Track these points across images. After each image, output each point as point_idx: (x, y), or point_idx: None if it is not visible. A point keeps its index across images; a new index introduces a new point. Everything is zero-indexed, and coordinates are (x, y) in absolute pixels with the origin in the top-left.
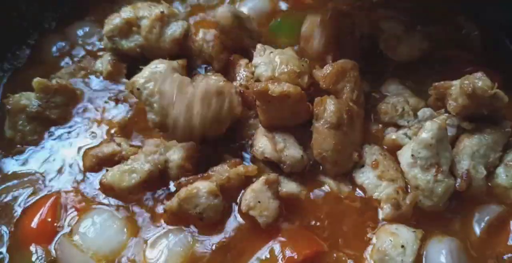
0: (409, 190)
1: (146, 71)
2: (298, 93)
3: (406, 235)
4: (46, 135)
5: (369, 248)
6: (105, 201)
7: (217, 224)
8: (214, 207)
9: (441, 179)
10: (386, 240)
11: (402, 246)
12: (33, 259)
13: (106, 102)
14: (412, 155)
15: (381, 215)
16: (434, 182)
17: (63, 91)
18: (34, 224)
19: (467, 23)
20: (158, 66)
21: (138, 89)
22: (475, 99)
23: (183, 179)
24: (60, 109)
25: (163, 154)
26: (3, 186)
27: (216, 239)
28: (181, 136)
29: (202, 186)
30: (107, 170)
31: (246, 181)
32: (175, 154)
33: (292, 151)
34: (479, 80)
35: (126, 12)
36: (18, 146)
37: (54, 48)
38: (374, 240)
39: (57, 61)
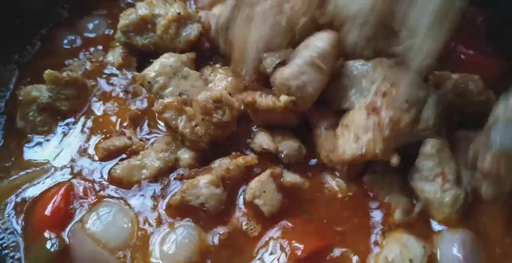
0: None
1: (156, 65)
2: (283, 107)
3: (416, 249)
4: (57, 126)
5: (375, 250)
6: (115, 194)
7: (221, 216)
8: (215, 197)
9: (448, 188)
10: (396, 250)
11: (410, 261)
12: (48, 246)
13: (117, 94)
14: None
15: (393, 218)
16: (442, 192)
17: (74, 84)
18: (48, 211)
19: (471, 8)
20: (168, 59)
21: (149, 82)
22: (463, 99)
23: (186, 171)
24: (71, 101)
25: (174, 152)
26: (16, 175)
27: (221, 230)
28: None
29: (203, 178)
30: (117, 163)
31: (248, 172)
32: (186, 153)
33: (289, 142)
34: (473, 83)
35: (141, 9)
36: (29, 135)
37: (65, 41)
38: (384, 243)
39: (68, 54)
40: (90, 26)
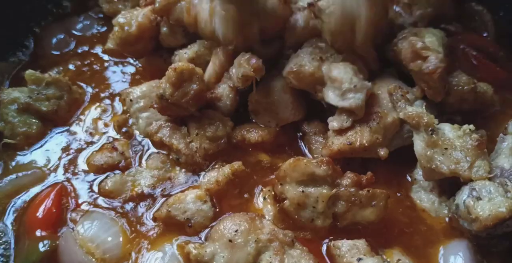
0: None
1: (145, 86)
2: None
3: None
4: (48, 131)
5: None
6: (105, 204)
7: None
8: (202, 213)
9: (445, 200)
10: None
11: None
12: (39, 246)
13: (104, 97)
14: (415, 179)
15: None
16: (439, 203)
17: (56, 84)
18: (39, 213)
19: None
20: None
21: (130, 100)
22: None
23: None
24: (51, 102)
25: (168, 171)
26: (7, 179)
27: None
28: None
29: (190, 193)
30: (108, 175)
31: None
32: (181, 173)
33: None
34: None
35: None
36: (5, 139)
37: (55, 42)
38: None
39: (59, 56)
40: (79, 25)
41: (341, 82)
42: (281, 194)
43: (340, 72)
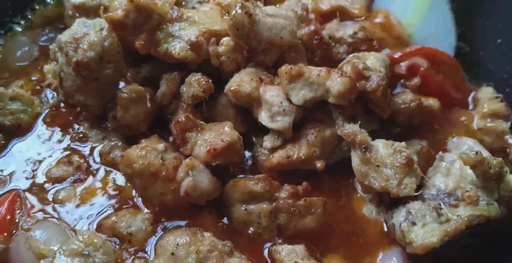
0: None
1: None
2: None
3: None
4: (8, 142)
5: None
6: (59, 213)
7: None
8: (144, 233)
9: (383, 210)
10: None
11: None
12: None
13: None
14: (356, 188)
15: None
16: (377, 213)
17: (19, 99)
18: None
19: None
20: None
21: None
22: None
23: None
24: (15, 116)
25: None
26: None
27: None
28: None
29: (142, 214)
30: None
31: None
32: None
33: None
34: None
35: None
36: None
37: (19, 54)
38: None
39: (23, 67)
40: (44, 38)
41: (272, 105)
42: (227, 215)
43: (273, 95)
